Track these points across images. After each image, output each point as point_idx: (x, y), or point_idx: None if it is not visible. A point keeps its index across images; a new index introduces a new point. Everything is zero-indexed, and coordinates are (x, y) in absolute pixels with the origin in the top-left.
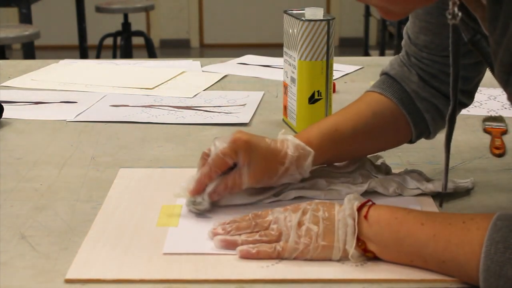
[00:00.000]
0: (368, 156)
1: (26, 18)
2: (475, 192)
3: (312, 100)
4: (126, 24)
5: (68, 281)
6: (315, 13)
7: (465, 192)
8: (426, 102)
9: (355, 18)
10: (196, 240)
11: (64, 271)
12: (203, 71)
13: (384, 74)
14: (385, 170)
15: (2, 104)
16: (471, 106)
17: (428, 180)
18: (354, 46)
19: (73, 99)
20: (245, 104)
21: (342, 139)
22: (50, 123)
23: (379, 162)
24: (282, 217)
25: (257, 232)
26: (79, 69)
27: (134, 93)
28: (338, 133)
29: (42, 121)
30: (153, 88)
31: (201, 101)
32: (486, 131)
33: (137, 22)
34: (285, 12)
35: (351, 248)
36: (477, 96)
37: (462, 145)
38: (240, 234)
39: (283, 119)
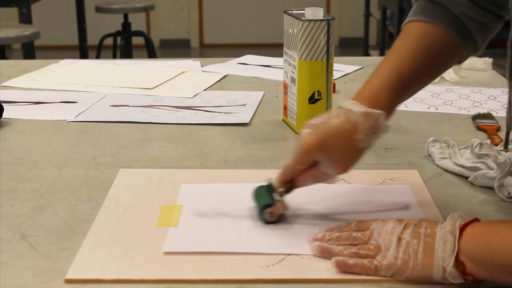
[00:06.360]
0: None
1: (26, 18)
2: (475, 190)
3: (312, 100)
4: (126, 24)
5: (68, 281)
6: (315, 13)
7: (465, 191)
8: (476, 22)
9: (355, 18)
10: (196, 240)
11: (64, 271)
12: (203, 71)
13: None
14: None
15: (2, 104)
16: (471, 106)
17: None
18: (354, 46)
19: (73, 99)
20: (245, 104)
21: (404, 84)
22: (50, 123)
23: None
24: (383, 230)
25: (355, 245)
26: (79, 69)
27: (134, 93)
28: (401, 79)
29: (42, 121)
30: (153, 88)
31: (201, 101)
32: (479, 128)
33: (137, 22)
34: (285, 12)
35: (449, 266)
36: (477, 96)
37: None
38: (338, 244)
39: (283, 119)
